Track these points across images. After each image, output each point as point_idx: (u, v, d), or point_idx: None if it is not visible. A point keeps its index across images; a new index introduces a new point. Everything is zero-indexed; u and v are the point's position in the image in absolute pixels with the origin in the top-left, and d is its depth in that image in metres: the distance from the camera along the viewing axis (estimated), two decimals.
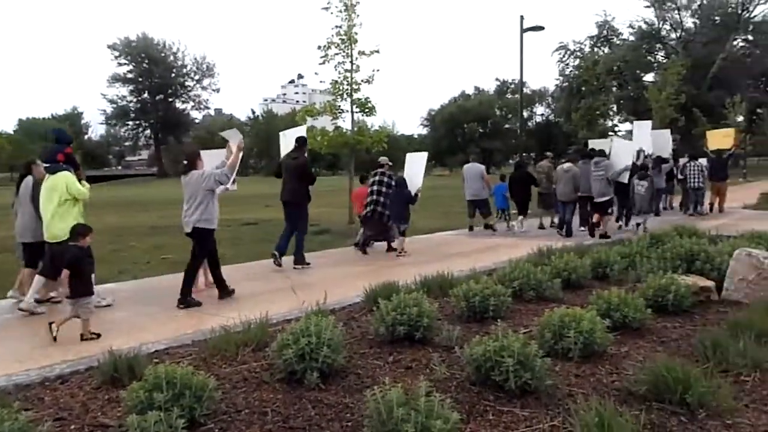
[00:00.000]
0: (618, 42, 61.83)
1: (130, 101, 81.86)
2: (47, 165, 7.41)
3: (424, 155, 13.05)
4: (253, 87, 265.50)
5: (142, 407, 3.54)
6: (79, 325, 6.00)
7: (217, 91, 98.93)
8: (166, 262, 11.19)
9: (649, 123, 17.53)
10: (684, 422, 3.69)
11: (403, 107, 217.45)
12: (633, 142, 15.19)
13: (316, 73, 22.03)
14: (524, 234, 14.18)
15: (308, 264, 10.16)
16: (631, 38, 61.32)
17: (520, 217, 14.94)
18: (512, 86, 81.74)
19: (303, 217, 10.45)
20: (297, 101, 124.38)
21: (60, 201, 7.13)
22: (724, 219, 16.28)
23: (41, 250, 7.49)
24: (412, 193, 11.62)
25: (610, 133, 44.28)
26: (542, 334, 4.93)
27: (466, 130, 76.10)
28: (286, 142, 11.53)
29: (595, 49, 61.80)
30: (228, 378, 4.52)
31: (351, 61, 16.52)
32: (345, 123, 17.18)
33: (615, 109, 57.54)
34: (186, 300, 7.42)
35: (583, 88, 49.78)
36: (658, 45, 61.56)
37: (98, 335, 6.01)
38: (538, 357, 4.09)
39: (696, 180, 17.64)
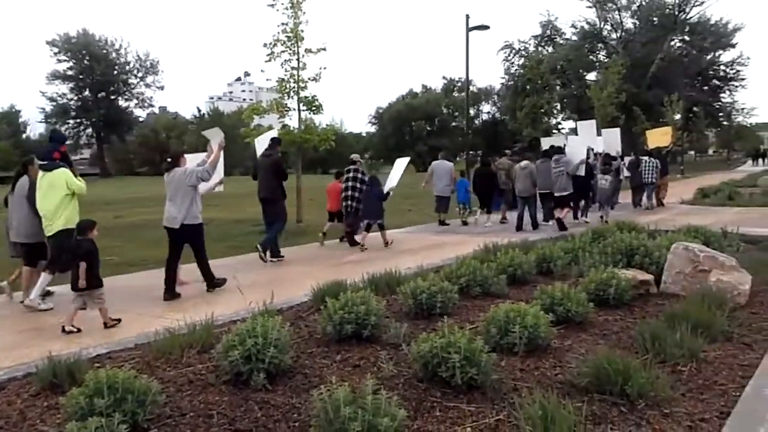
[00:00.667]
0: (561, 41, 62.99)
1: (71, 99, 79.13)
2: (43, 163, 7.62)
3: (407, 160, 14.19)
4: (198, 85, 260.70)
5: (83, 413, 3.45)
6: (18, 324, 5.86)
7: (162, 88, 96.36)
8: (110, 264, 10.90)
9: (593, 122, 18.14)
10: (624, 412, 3.79)
11: (351, 105, 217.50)
12: (584, 139, 16.00)
13: (262, 71, 21.85)
14: (489, 229, 14.58)
15: (282, 257, 10.74)
16: (574, 38, 62.57)
17: (486, 215, 15.46)
18: (459, 84, 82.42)
19: (281, 213, 10.95)
20: (244, 99, 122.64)
21: (60, 197, 7.39)
22: (663, 214, 16.80)
23: (38, 250, 7.74)
24: (385, 191, 12.34)
25: (554, 131, 45.20)
26: (488, 330, 4.98)
27: (414, 128, 76.38)
28: (261, 147, 12.01)
29: (540, 49, 62.87)
30: (172, 381, 4.44)
31: (297, 59, 16.37)
32: (292, 121, 17.03)
33: (558, 107, 58.79)
34: (213, 283, 8.12)
35: (528, 87, 50.67)
36: (599, 45, 62.95)
37: (119, 320, 6.41)
38: (483, 352, 4.14)
39: (650, 176, 18.64)
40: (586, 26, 61.96)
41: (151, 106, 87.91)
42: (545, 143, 17.38)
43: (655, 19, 58.83)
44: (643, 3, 59.31)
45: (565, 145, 15.84)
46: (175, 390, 4.28)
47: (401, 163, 13.87)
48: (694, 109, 54.90)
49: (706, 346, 4.89)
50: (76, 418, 3.44)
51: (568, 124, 58.10)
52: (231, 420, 3.80)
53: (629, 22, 61.44)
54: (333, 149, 18.43)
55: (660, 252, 7.60)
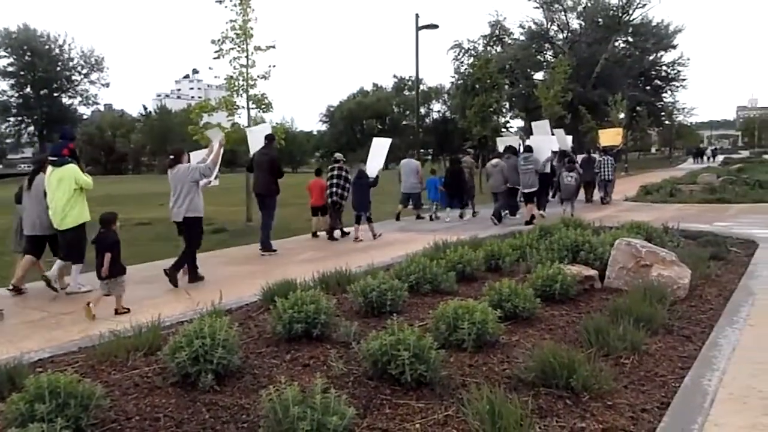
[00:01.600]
0: (509, 41, 63.78)
1: (11, 96, 76.43)
2: (54, 159, 8.04)
3: (388, 141, 14.77)
4: (145, 82, 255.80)
5: (23, 420, 3.35)
6: None
7: (107, 85, 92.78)
8: (49, 265, 10.60)
9: (546, 122, 18.62)
10: (569, 405, 3.88)
11: (301, 103, 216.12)
12: (543, 137, 16.71)
13: (210, 68, 21.48)
14: (450, 224, 15.23)
15: (275, 251, 11.03)
16: (522, 38, 63.47)
17: (461, 210, 16.32)
18: (409, 83, 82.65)
19: (270, 206, 11.31)
20: (192, 97, 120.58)
21: (69, 191, 7.82)
22: (607, 210, 17.23)
23: (46, 242, 8.30)
24: (371, 178, 12.90)
25: (503, 129, 45.76)
26: (437, 327, 5.03)
27: (365, 126, 76.49)
28: (253, 138, 12.67)
29: (488, 48, 63.45)
30: (118, 384, 4.35)
31: (246, 57, 16.20)
32: (241, 119, 16.87)
33: (507, 106, 59.46)
34: (172, 277, 8.18)
35: (477, 86, 50.99)
36: (546, 45, 64.02)
37: (128, 310, 6.66)
38: (433, 349, 4.18)
39: (607, 172, 19.79)
40: (534, 26, 62.99)
41: (96, 103, 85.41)
42: (501, 143, 18.25)
43: (600, 20, 60.12)
44: (589, 4, 60.57)
45: (520, 145, 16.60)
46: (121, 393, 4.19)
47: (380, 144, 14.24)
48: (638, 108, 56.29)
49: (647, 339, 5.04)
50: (16, 424, 3.34)
51: (517, 123, 59.08)
52: (178, 422, 3.74)
53: (575, 23, 62.77)
54: (283, 147, 18.31)
55: (604, 248, 7.77)
